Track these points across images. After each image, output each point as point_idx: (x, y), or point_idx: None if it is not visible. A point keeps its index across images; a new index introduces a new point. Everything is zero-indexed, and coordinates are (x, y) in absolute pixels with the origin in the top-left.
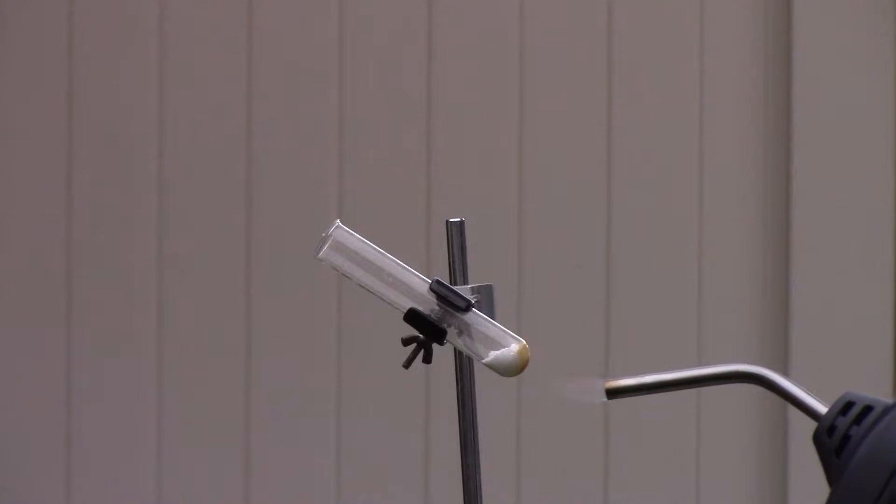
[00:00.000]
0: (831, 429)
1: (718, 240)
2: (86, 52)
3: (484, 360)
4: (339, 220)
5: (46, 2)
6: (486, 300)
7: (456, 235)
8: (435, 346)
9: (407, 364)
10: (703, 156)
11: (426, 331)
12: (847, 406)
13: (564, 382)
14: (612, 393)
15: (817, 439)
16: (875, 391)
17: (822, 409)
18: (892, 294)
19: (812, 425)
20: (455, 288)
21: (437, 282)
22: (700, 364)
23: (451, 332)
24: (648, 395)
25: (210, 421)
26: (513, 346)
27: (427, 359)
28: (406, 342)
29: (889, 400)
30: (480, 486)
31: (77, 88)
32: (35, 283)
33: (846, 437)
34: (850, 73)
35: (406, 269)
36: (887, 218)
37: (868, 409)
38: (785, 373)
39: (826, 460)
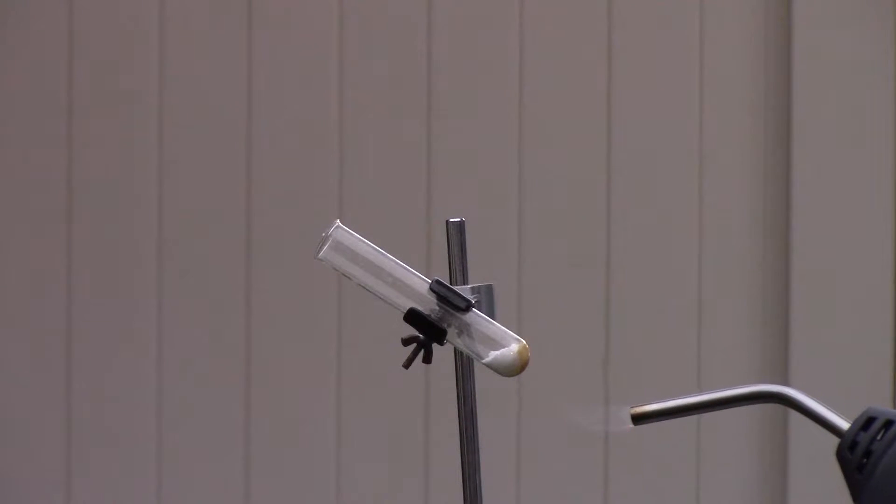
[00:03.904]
0: (853, 445)
1: (718, 236)
2: (86, 52)
3: (484, 360)
4: (339, 220)
5: (47, 2)
6: (486, 300)
7: (456, 235)
8: (435, 346)
9: (407, 364)
10: (702, 156)
11: (426, 331)
12: (868, 421)
13: (585, 411)
14: (638, 419)
15: (840, 455)
16: (873, 399)
17: (845, 425)
18: (892, 302)
19: (816, 442)
20: (455, 288)
21: (437, 282)
22: (700, 361)
23: (451, 332)
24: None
25: (210, 421)
26: (513, 346)
27: (427, 359)
28: (406, 342)
29: None
30: (480, 486)
31: (77, 89)
32: (35, 283)
33: (868, 453)
34: (850, 73)
35: (406, 269)
36: (887, 219)
37: (889, 423)
38: (785, 376)
39: (849, 476)
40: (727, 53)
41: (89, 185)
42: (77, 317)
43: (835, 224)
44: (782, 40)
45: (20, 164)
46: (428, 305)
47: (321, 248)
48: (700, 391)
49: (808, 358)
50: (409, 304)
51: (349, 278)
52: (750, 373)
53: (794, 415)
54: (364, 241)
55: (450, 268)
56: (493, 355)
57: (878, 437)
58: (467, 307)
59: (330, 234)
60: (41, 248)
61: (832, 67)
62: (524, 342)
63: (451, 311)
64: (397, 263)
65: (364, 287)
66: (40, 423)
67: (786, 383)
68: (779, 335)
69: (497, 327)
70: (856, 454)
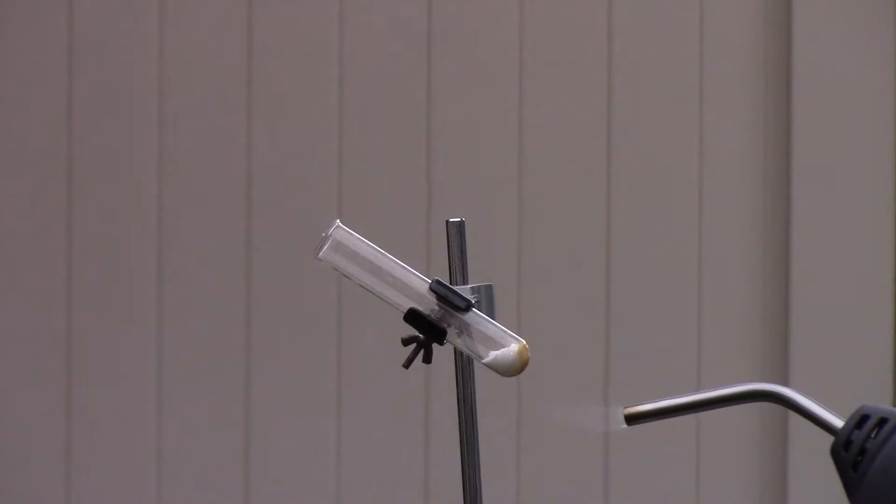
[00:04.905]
0: (847, 443)
1: (718, 236)
2: (86, 51)
3: (484, 360)
4: (339, 220)
5: (47, 2)
6: (486, 300)
7: (456, 235)
8: (435, 346)
9: (407, 364)
10: (702, 156)
11: (426, 331)
12: (862, 419)
13: (580, 410)
14: (632, 419)
15: (835, 453)
16: (874, 398)
17: (839, 423)
18: (892, 302)
19: (817, 438)
20: (455, 288)
21: (437, 282)
22: (700, 361)
23: (451, 332)
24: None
25: (210, 421)
26: (513, 346)
27: (427, 359)
28: (406, 342)
29: None
30: (480, 486)
31: (77, 88)
32: (35, 282)
33: (863, 450)
34: (850, 73)
35: (406, 269)
36: (887, 219)
37: (883, 420)
38: (785, 376)
39: (844, 474)
40: (727, 54)
41: (89, 186)
42: (77, 316)
43: (835, 224)
44: (782, 40)
45: (20, 164)
46: (428, 305)
47: (321, 248)
48: (697, 391)
49: (808, 358)
50: (409, 304)
51: (349, 278)
52: (750, 373)
53: (794, 414)
54: (364, 241)
55: (450, 268)
56: (493, 355)
57: (873, 435)
58: (467, 307)
59: (330, 234)
60: (41, 248)
61: (832, 68)
62: (524, 342)
63: (451, 311)
64: (397, 263)
65: (364, 287)
66: (40, 423)
67: (786, 383)
68: (779, 335)
69: (497, 327)
70: (850, 452)
